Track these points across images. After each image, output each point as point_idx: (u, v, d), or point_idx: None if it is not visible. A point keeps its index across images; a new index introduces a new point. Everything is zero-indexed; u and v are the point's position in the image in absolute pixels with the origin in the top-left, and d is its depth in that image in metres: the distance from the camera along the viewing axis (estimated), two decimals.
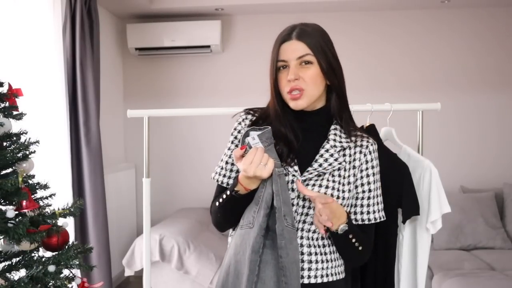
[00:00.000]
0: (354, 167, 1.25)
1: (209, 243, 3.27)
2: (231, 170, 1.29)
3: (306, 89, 1.21)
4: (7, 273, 1.28)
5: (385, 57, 3.86)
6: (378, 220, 1.28)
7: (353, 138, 1.27)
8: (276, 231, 1.12)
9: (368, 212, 1.27)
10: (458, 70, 3.83)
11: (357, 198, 1.27)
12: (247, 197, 1.18)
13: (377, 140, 1.58)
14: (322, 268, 1.22)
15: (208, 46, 3.79)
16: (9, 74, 2.18)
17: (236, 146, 1.29)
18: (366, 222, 1.27)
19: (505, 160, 3.81)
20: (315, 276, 1.21)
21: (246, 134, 1.17)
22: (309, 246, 1.21)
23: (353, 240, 1.20)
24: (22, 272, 1.33)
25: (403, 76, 3.85)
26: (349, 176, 1.25)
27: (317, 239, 1.22)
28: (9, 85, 1.35)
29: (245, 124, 1.29)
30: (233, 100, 3.65)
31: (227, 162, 1.30)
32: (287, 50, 1.22)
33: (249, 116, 1.31)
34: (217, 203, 1.25)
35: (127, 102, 4.03)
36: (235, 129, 1.31)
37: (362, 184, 1.26)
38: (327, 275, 1.22)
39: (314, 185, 1.21)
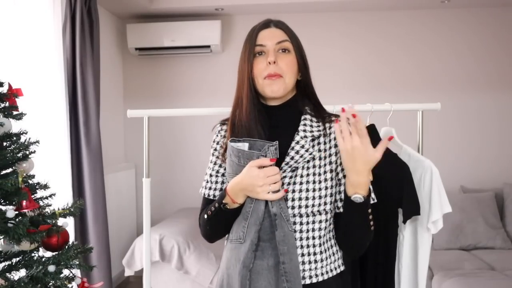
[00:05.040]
0: (330, 154, 1.21)
1: (209, 243, 3.27)
2: (216, 182, 1.29)
3: (285, 77, 1.21)
4: (7, 273, 1.28)
5: (385, 57, 3.85)
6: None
7: (327, 125, 1.24)
8: (276, 238, 1.11)
9: None
10: (458, 70, 3.83)
11: (340, 185, 1.21)
12: (236, 211, 1.18)
13: (377, 140, 1.58)
14: (310, 269, 1.18)
15: (208, 46, 3.79)
16: (9, 74, 2.18)
17: (217, 157, 1.29)
18: None
19: (505, 160, 3.81)
20: (310, 277, 1.17)
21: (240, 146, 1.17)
22: (302, 247, 1.18)
23: (370, 217, 1.14)
24: (22, 272, 1.33)
25: (403, 76, 3.85)
26: (325, 165, 1.19)
27: (307, 238, 1.18)
28: (9, 85, 1.35)
29: (221, 135, 1.31)
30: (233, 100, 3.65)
31: (211, 175, 1.30)
32: (266, 35, 1.25)
33: (224, 127, 1.32)
34: (205, 216, 1.23)
35: (127, 102, 4.02)
36: (213, 141, 1.32)
37: (343, 170, 1.20)
38: (316, 275, 1.18)
39: (289, 183, 1.17)
